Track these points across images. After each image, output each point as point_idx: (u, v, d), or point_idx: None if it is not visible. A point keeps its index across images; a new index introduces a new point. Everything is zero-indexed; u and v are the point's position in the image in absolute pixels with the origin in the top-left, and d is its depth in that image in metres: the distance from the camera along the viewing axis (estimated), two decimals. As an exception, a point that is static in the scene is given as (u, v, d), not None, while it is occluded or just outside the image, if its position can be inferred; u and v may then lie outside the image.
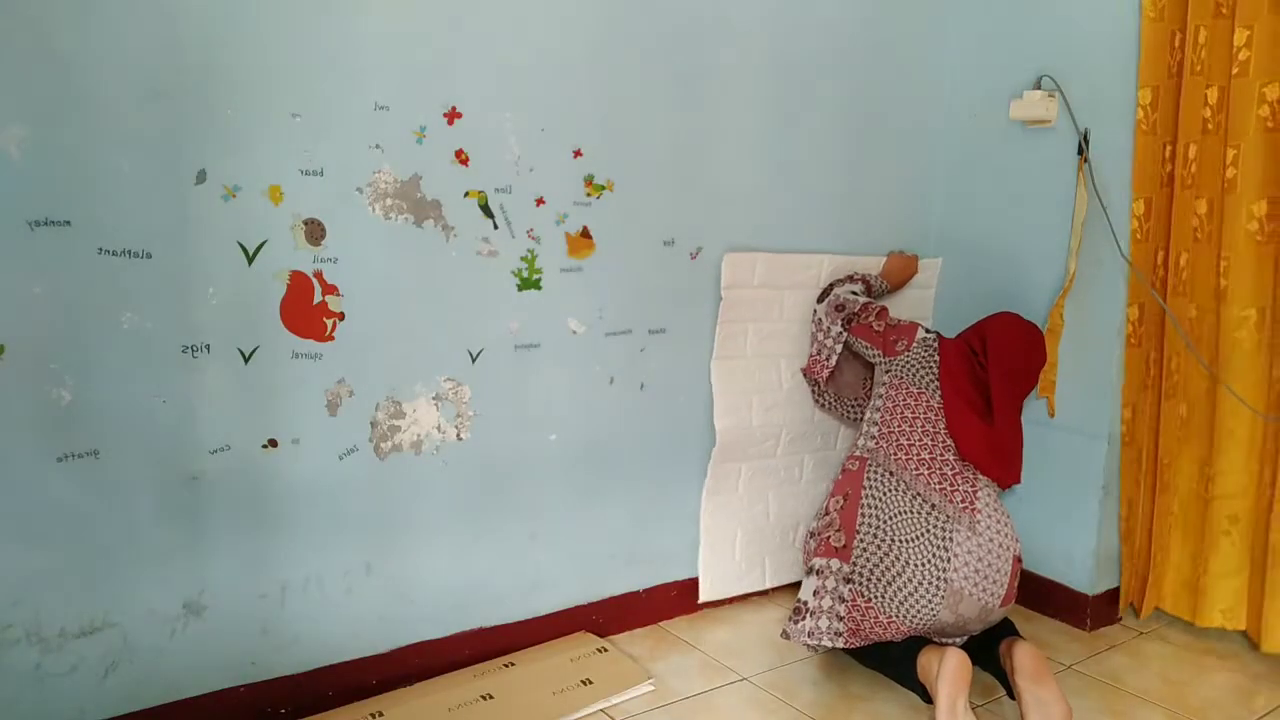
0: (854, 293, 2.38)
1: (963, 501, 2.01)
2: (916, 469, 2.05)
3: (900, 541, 1.97)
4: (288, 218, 1.72)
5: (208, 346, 1.67)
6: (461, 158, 1.89)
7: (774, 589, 2.52)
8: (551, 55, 1.97)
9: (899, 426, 2.12)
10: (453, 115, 1.87)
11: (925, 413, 2.12)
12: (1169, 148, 2.18)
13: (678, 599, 2.37)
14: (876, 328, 2.27)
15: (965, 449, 2.06)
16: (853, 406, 2.47)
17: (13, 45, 1.45)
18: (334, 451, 1.84)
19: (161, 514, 1.67)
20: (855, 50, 2.43)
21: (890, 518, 2.00)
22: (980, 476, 2.06)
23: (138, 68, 1.55)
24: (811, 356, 2.40)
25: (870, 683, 2.07)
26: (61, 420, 1.56)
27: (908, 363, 2.21)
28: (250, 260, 1.70)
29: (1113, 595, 2.43)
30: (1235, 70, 2.04)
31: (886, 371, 2.22)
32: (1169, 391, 2.26)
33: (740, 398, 2.35)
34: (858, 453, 2.15)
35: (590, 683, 1.98)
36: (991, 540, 1.98)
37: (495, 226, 1.96)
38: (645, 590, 2.32)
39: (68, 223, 1.53)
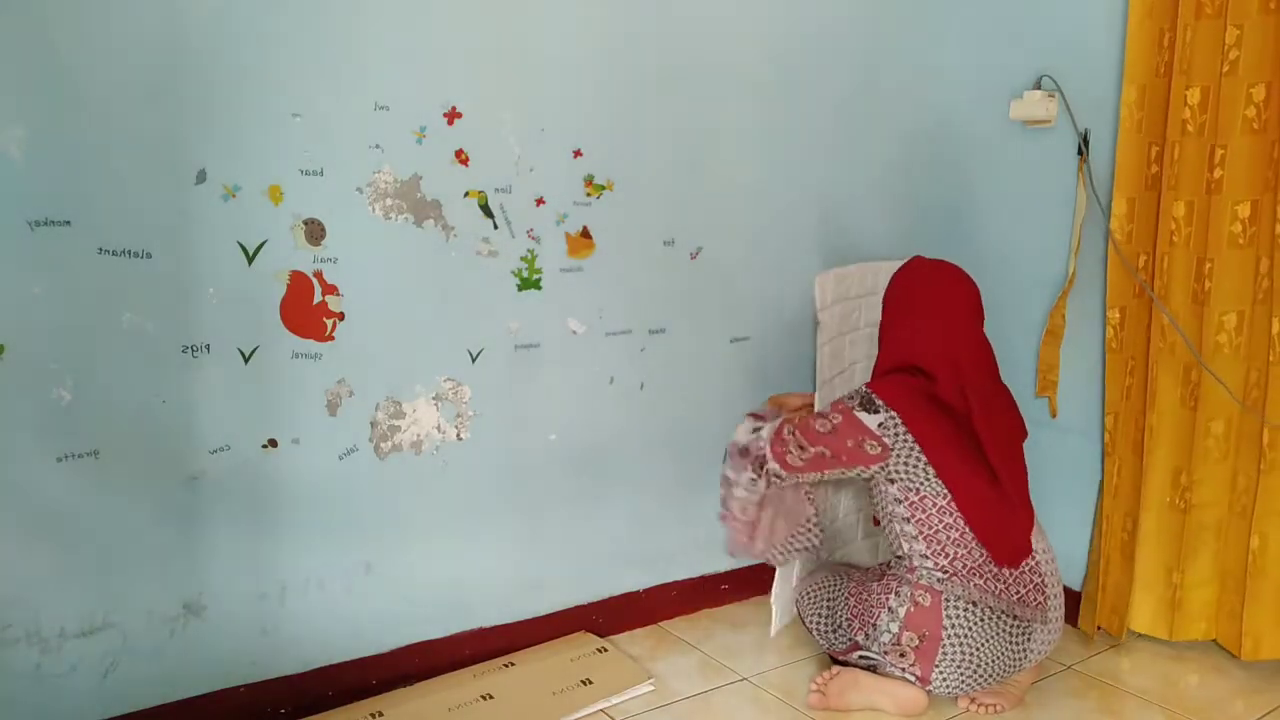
0: (755, 430, 1.99)
1: (1036, 596, 1.88)
2: (996, 587, 1.85)
3: (983, 664, 1.85)
4: (288, 218, 1.73)
5: (208, 346, 1.67)
6: (461, 158, 1.89)
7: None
8: (551, 55, 1.97)
9: (957, 553, 1.85)
10: (453, 115, 1.87)
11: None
12: (1154, 148, 2.15)
13: (678, 599, 2.37)
14: (822, 453, 1.88)
15: (1006, 555, 1.86)
16: (806, 532, 2.08)
17: (13, 45, 1.45)
18: (334, 451, 1.84)
19: (161, 514, 1.67)
20: (854, 50, 2.43)
21: (975, 649, 1.84)
22: (1035, 544, 1.93)
23: (138, 68, 1.55)
24: (727, 517, 1.99)
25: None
26: (61, 420, 1.56)
27: (905, 468, 1.87)
28: (250, 260, 1.70)
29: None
30: (1225, 69, 2.01)
31: (891, 482, 1.90)
32: (1150, 402, 2.19)
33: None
34: (924, 582, 1.86)
35: (590, 683, 1.98)
36: (1058, 613, 1.93)
37: (495, 226, 1.96)
38: (645, 590, 2.32)
39: (68, 223, 1.53)
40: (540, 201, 2.00)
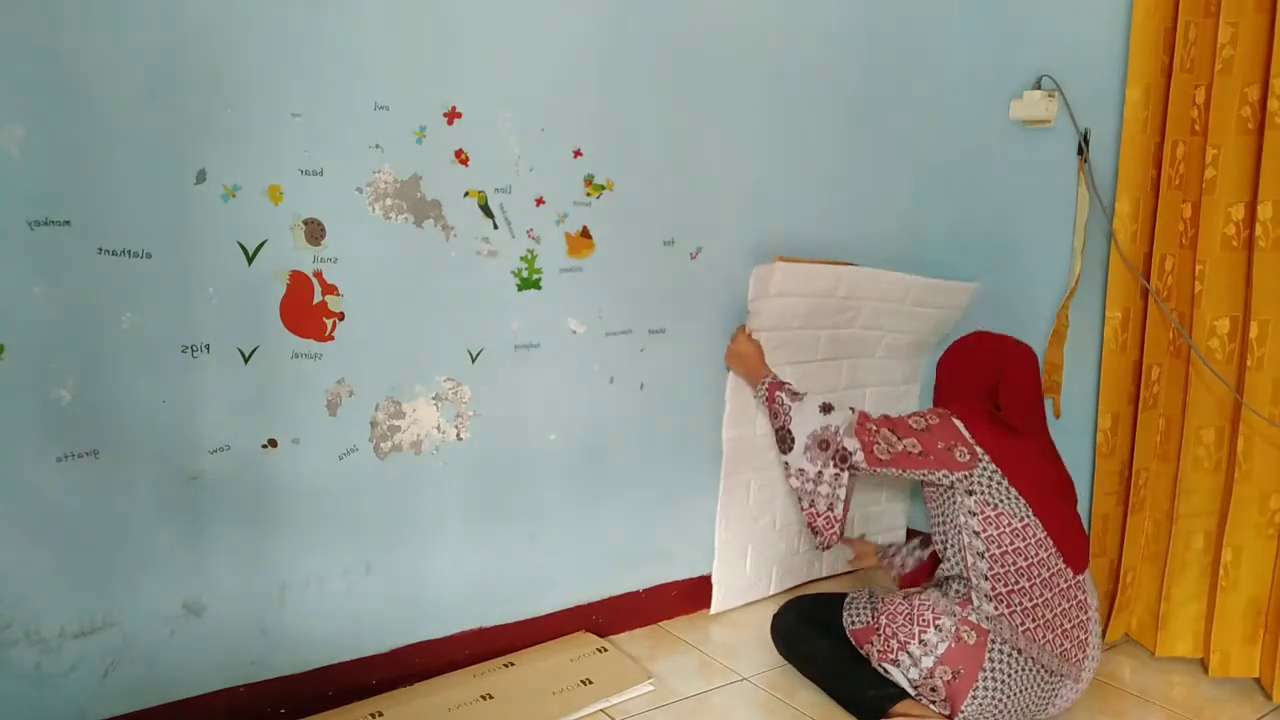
0: (825, 419, 1.92)
1: (1077, 653, 1.84)
2: (1045, 636, 1.79)
3: (1008, 711, 1.80)
4: (288, 218, 1.73)
5: (208, 346, 1.67)
6: (461, 158, 1.89)
7: (775, 593, 2.52)
8: (552, 55, 1.97)
9: (1020, 584, 1.79)
10: (453, 115, 1.87)
11: (1037, 551, 1.80)
12: (1159, 148, 2.13)
13: (678, 599, 2.37)
14: (911, 448, 1.84)
15: (1077, 560, 1.84)
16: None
17: (13, 45, 1.45)
18: (334, 451, 1.83)
19: (161, 514, 1.67)
20: (855, 50, 2.43)
21: (1007, 696, 1.78)
22: (1088, 600, 1.88)
23: (138, 68, 1.55)
24: (813, 516, 1.94)
25: (870, 683, 2.07)
26: (61, 420, 1.56)
27: (989, 483, 1.83)
28: (250, 260, 1.70)
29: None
30: (1219, 67, 1.98)
31: (969, 494, 1.84)
32: (1148, 402, 2.17)
33: (749, 409, 2.33)
34: (972, 618, 1.80)
35: (590, 683, 1.98)
36: (1090, 673, 1.88)
37: (495, 226, 1.96)
38: (645, 590, 2.32)
39: (68, 223, 1.53)
40: (540, 201, 2.00)
